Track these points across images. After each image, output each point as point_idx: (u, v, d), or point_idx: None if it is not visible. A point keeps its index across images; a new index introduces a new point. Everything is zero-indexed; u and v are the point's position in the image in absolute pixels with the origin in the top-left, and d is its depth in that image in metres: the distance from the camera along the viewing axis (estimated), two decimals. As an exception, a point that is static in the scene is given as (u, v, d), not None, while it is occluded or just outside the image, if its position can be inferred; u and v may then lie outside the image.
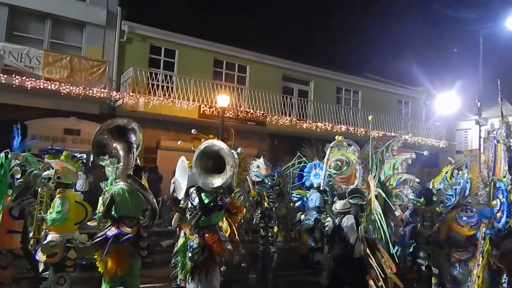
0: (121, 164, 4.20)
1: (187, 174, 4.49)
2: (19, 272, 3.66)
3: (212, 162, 4.28)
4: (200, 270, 4.29)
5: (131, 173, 4.27)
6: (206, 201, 4.32)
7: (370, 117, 6.76)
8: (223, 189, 4.27)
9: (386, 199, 5.05)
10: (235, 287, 6.43)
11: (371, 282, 4.57)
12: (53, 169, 5.04)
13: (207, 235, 4.34)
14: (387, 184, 5.34)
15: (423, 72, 19.92)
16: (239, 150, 6.79)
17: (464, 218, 5.08)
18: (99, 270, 4.34)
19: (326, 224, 5.39)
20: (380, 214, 4.84)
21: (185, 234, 5.36)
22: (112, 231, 4.19)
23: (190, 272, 4.33)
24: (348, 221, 4.61)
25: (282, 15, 24.67)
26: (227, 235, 6.01)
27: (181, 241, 5.29)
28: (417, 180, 5.56)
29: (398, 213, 5.20)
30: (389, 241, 4.78)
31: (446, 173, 5.80)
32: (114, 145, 4.27)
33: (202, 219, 4.35)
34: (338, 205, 4.88)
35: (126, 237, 4.17)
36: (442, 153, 18.36)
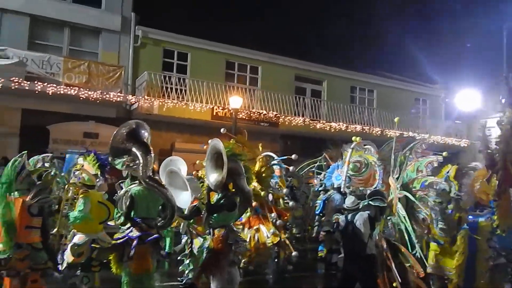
0: (140, 164, 4.24)
1: (186, 182, 4.62)
2: (36, 263, 3.90)
3: (221, 161, 4.43)
4: (205, 271, 4.46)
5: (151, 174, 4.33)
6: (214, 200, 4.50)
7: (396, 119, 6.63)
8: (221, 188, 4.40)
9: (415, 200, 4.95)
10: None
11: (379, 282, 4.59)
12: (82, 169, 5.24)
13: (215, 235, 4.45)
14: (411, 186, 5.26)
15: (442, 69, 19.42)
16: (293, 156, 7.09)
17: (470, 217, 5.03)
18: (115, 271, 4.43)
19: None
20: (404, 217, 4.79)
21: (199, 234, 5.49)
22: (135, 232, 4.23)
23: (199, 272, 4.51)
24: (360, 218, 4.60)
25: (293, 14, 24.55)
26: (275, 240, 6.17)
27: (197, 242, 5.46)
28: (443, 184, 5.42)
29: (422, 216, 5.08)
30: (415, 245, 4.70)
31: (448, 172, 5.66)
32: (133, 149, 4.35)
33: (212, 219, 4.48)
34: (348, 201, 4.88)
35: (151, 237, 4.23)
36: (464, 153, 17.81)
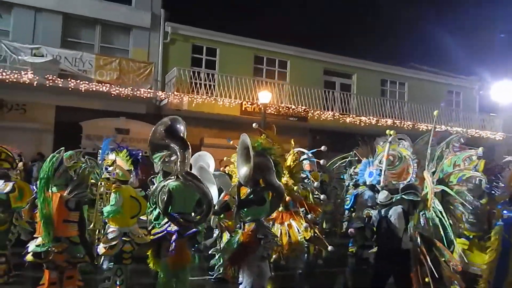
0: (178, 159, 4.25)
1: (213, 178, 4.59)
2: (74, 256, 3.96)
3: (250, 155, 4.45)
4: (233, 264, 4.49)
5: (188, 169, 4.33)
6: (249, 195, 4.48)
7: (435, 112, 6.42)
8: (251, 183, 4.39)
9: (454, 194, 4.83)
10: (282, 283, 6.38)
11: (412, 276, 4.53)
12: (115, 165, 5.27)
13: (245, 230, 4.44)
14: (447, 181, 5.08)
15: (476, 60, 18.65)
16: (322, 147, 6.97)
17: (505, 212, 4.84)
18: (152, 267, 4.48)
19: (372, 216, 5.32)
20: (441, 212, 4.69)
21: (228, 229, 5.50)
22: (173, 227, 4.23)
23: (227, 265, 4.52)
24: (395, 213, 4.54)
25: (322, 8, 24.16)
26: (308, 236, 6.16)
27: (225, 236, 5.54)
28: (482, 177, 5.25)
29: (458, 211, 4.90)
30: (452, 239, 4.64)
31: (476, 166, 5.35)
32: (172, 144, 4.37)
33: (243, 213, 4.48)
34: (381, 196, 4.81)
35: (190, 231, 4.24)
36: (499, 146, 17.10)
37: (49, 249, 3.83)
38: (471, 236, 5.15)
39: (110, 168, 5.31)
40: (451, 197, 4.85)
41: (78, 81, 11.20)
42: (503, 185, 5.32)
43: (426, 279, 4.52)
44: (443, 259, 4.62)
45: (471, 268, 5.15)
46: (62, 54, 11.36)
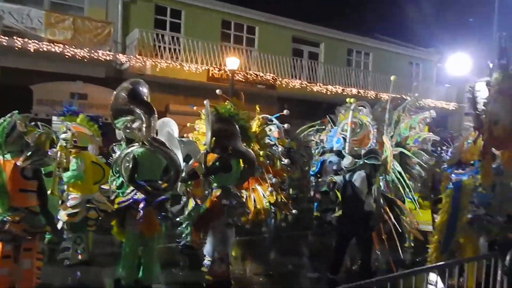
0: (144, 125, 4.09)
1: (178, 144, 4.69)
2: (33, 226, 3.68)
3: None
4: (197, 229, 4.75)
5: (154, 135, 4.21)
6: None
7: (392, 77, 6.58)
8: (219, 150, 4.48)
9: (411, 155, 5.19)
10: (248, 248, 6.56)
11: (374, 235, 4.83)
12: (70, 131, 5.05)
13: (212, 196, 4.49)
14: (404, 144, 5.41)
15: (436, 33, 19.22)
16: (285, 112, 7.23)
17: (453, 175, 5.03)
18: (118, 237, 4.37)
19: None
20: (400, 172, 4.99)
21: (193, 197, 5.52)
22: (140, 195, 4.07)
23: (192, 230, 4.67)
24: (359, 177, 4.70)
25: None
26: (272, 200, 6.40)
27: (191, 203, 5.54)
28: (437, 138, 5.69)
29: (416, 171, 5.28)
30: (411, 199, 5.06)
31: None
32: (136, 109, 4.18)
33: (211, 179, 4.58)
34: (345, 162, 5.00)
35: (158, 199, 4.10)
36: (452, 116, 18.17)
37: (5, 219, 3.50)
38: (416, 197, 5.45)
39: (64, 135, 5.07)
40: (409, 158, 5.17)
41: (26, 40, 10.08)
42: (452, 150, 5.61)
43: (384, 236, 4.91)
44: (403, 216, 5.01)
45: (419, 226, 5.56)
46: (5, 8, 10.12)
